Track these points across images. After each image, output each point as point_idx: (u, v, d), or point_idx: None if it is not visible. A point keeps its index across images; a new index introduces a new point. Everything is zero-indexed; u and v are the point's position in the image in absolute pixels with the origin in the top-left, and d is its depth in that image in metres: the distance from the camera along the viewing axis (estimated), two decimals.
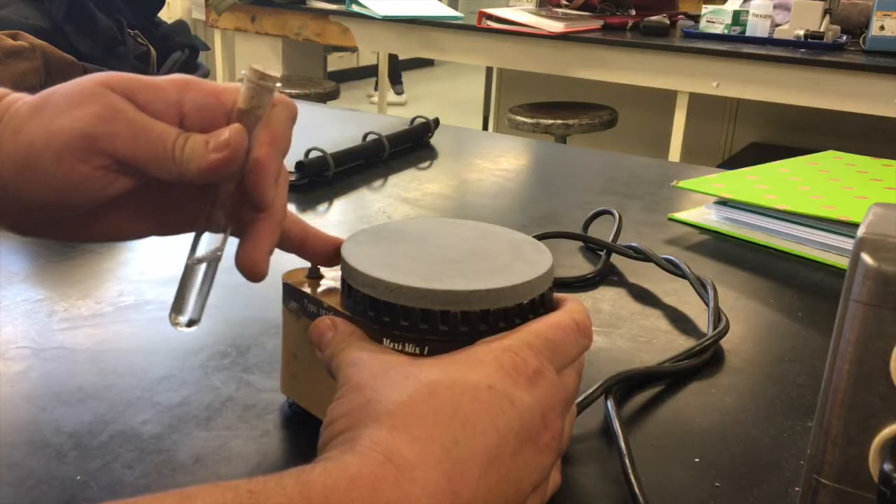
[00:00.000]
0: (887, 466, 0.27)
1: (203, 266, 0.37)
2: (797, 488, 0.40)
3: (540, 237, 0.69)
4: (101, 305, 0.55)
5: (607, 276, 0.65)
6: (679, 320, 0.57)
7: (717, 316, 0.56)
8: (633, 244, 0.67)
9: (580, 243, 0.71)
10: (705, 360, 0.51)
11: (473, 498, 0.30)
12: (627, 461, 0.39)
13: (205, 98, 0.37)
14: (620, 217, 0.72)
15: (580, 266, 0.66)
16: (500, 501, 0.31)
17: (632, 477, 0.38)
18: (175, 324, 0.37)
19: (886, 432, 0.28)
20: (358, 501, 0.27)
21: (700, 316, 0.58)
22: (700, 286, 0.60)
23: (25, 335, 0.50)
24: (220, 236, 0.38)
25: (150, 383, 0.46)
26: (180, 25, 1.13)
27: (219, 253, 0.38)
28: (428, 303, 0.35)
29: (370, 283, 0.36)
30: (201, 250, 0.38)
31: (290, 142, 0.39)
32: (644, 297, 0.61)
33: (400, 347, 0.35)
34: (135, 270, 0.61)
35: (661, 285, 0.63)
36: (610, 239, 0.69)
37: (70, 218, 0.37)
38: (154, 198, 0.39)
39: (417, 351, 0.35)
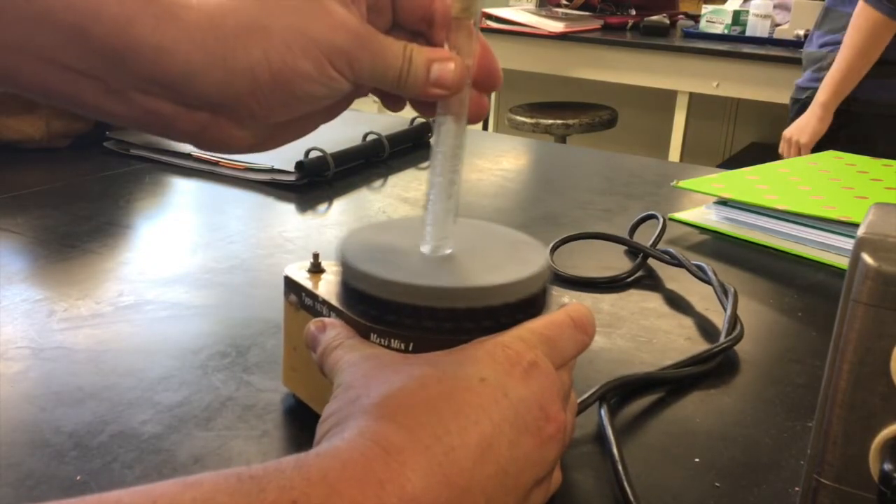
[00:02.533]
0: (887, 466, 0.27)
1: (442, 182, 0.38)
2: (797, 488, 0.40)
3: (573, 238, 0.69)
4: (101, 305, 0.55)
5: (643, 279, 0.65)
6: (693, 325, 0.57)
7: (733, 324, 0.55)
8: (669, 249, 0.66)
9: (624, 246, 0.71)
10: (713, 366, 0.51)
11: (468, 486, 0.29)
12: (620, 468, 0.39)
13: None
14: (664, 221, 0.71)
15: (620, 267, 0.66)
16: (499, 493, 0.31)
17: (625, 484, 0.38)
18: (438, 251, 0.38)
19: (886, 432, 0.28)
20: (353, 480, 0.27)
21: (717, 320, 0.58)
22: (722, 293, 0.59)
23: (25, 335, 0.50)
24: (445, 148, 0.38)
25: (150, 383, 0.46)
26: None
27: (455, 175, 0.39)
28: (414, 298, 0.35)
29: (360, 276, 0.36)
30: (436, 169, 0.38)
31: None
32: (672, 299, 0.61)
33: (386, 343, 0.35)
34: (135, 270, 0.61)
35: (685, 285, 0.63)
36: (650, 243, 0.68)
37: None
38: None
39: (403, 347, 0.35)
